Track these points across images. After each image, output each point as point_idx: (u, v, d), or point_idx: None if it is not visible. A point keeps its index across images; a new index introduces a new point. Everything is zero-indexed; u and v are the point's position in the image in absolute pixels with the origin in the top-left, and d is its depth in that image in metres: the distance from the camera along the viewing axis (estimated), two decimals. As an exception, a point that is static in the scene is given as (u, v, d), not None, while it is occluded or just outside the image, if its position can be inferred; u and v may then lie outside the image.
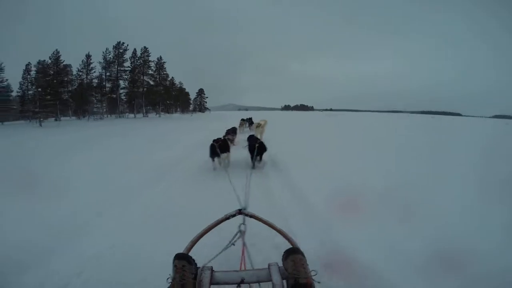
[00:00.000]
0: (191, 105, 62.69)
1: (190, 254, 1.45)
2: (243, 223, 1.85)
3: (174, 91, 52.75)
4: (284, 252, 1.30)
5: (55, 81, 34.87)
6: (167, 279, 1.17)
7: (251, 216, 1.89)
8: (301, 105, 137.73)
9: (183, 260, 1.22)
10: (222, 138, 6.43)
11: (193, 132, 13.28)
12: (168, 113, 49.13)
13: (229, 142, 6.62)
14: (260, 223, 1.92)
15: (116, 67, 39.86)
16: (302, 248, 1.42)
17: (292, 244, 1.51)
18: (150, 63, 43.93)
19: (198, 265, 1.31)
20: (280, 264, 1.31)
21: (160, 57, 46.32)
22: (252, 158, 5.72)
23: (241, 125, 14.35)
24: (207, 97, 66.73)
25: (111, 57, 39.58)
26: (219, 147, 5.43)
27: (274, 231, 1.78)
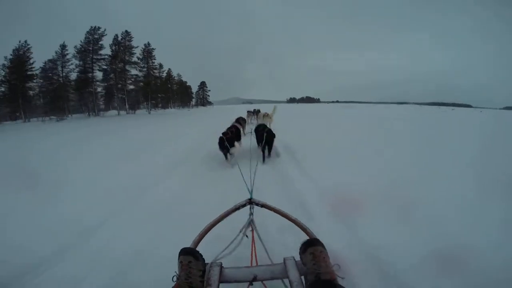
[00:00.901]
0: (193, 99, 60.38)
1: (198, 248, 1.33)
2: (252, 213, 1.75)
3: (172, 83, 49.75)
4: (302, 245, 1.19)
5: (15, 75, 28.00)
6: (173, 277, 1.09)
7: (263, 205, 1.77)
8: (307, 97, 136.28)
9: (189, 256, 1.14)
10: (231, 127, 6.03)
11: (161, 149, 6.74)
12: (163, 108, 45.32)
13: (241, 129, 6.47)
14: (273, 212, 1.77)
15: (90, 55, 32.44)
16: (322, 238, 1.26)
17: (309, 235, 1.38)
18: (133, 49, 36.53)
19: (206, 261, 1.22)
20: (297, 258, 1.20)
21: (148, 43, 39.68)
22: (261, 148, 5.31)
23: (248, 116, 13.82)
24: (209, 90, 64.00)
25: (84, 45, 32.44)
26: (228, 140, 5.12)
27: (288, 222, 1.65)
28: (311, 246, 1.14)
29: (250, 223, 1.68)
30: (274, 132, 5.60)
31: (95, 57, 32.90)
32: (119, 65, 35.03)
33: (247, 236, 1.62)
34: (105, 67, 34.00)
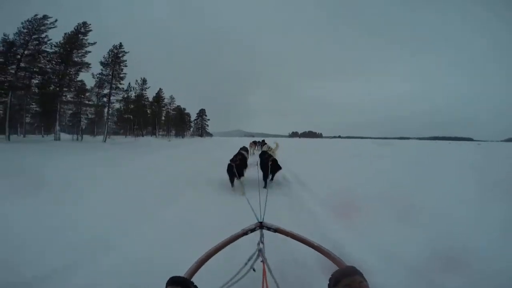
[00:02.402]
0: (191, 128, 55.89)
1: (193, 279, 1.05)
2: (261, 241, 1.49)
3: (159, 107, 43.95)
4: (333, 275, 0.96)
5: None
6: None
7: (276, 230, 1.55)
8: (309, 131, 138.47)
9: (178, 287, 0.92)
10: (238, 154, 6.08)
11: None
12: (138, 135, 38.62)
13: (246, 155, 6.51)
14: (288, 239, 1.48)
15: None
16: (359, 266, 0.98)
17: (339, 265, 1.14)
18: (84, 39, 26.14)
19: None
20: None
21: (120, 44, 29.82)
22: (264, 176, 5.37)
23: (251, 147, 13.77)
24: (209, 120, 58.58)
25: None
26: (237, 167, 5.01)
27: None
28: (347, 276, 0.90)
29: (259, 253, 1.41)
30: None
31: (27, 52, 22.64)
32: (70, 69, 25.50)
33: (254, 269, 1.36)
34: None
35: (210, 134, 59.28)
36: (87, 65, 26.81)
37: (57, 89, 24.88)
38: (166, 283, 0.93)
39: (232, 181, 5.12)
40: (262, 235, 1.51)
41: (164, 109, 45.68)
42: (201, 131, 57.06)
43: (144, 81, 39.04)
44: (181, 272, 1.11)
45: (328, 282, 0.96)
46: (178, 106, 49.64)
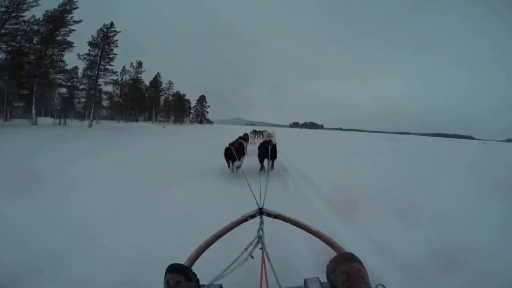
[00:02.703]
0: (191, 114, 54.55)
1: (193, 266, 1.12)
2: (261, 228, 1.46)
3: (156, 92, 41.82)
4: (331, 261, 0.96)
5: None
6: None
7: (276, 216, 1.53)
8: (310, 122, 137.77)
9: (178, 275, 0.92)
10: (236, 141, 6.47)
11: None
12: (134, 121, 37.44)
13: (244, 144, 6.91)
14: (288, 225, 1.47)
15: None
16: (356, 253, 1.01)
17: (338, 251, 1.14)
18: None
19: (201, 282, 1.01)
20: (323, 279, 0.98)
21: (111, 24, 27.74)
22: (261, 162, 5.69)
23: (251, 135, 14.08)
24: (209, 106, 56.51)
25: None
26: (236, 151, 5.30)
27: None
28: (345, 263, 0.89)
29: (259, 240, 1.39)
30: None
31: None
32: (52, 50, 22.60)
33: (252, 257, 1.34)
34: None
35: (210, 121, 57.83)
36: (70, 44, 24.54)
37: (33, 70, 22.55)
38: (166, 271, 0.93)
39: (229, 164, 5.41)
40: (262, 222, 1.50)
41: (162, 94, 43.43)
42: (201, 118, 55.33)
43: (139, 64, 36.65)
44: (181, 260, 1.11)
45: (326, 269, 0.96)
46: (177, 92, 47.85)
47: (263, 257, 1.33)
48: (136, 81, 38.69)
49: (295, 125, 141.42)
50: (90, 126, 25.88)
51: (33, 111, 23.26)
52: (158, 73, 43.09)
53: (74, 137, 13.13)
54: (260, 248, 1.37)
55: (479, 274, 1.90)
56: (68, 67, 26.78)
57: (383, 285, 0.83)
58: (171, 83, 46.33)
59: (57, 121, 27.34)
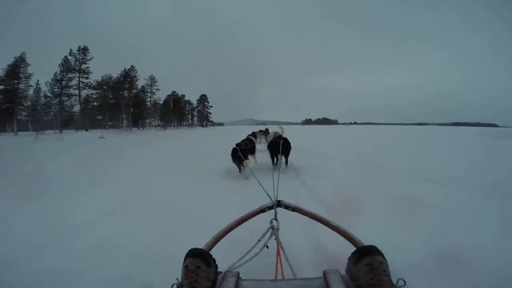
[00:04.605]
0: (194, 117, 48.99)
1: (211, 252, 1.09)
2: (275, 218, 1.54)
3: (124, 88, 34.91)
4: (353, 254, 0.96)
5: None
6: (173, 285, 0.89)
7: (294, 209, 1.52)
8: (323, 118, 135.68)
9: (198, 260, 0.93)
10: (246, 139, 6.31)
11: None
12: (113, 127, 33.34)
13: (255, 141, 6.68)
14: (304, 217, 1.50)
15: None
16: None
17: (355, 245, 1.14)
18: None
19: (219, 269, 1.03)
20: (342, 271, 0.99)
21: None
22: (272, 158, 5.43)
23: (258, 137, 13.86)
24: (211, 106, 50.36)
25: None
26: (242, 152, 5.17)
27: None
28: (368, 255, 0.89)
29: (272, 231, 1.46)
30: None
31: None
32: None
33: (267, 247, 1.43)
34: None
35: (215, 123, 52.27)
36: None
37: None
38: (186, 255, 0.96)
39: (238, 166, 5.27)
40: (276, 213, 1.55)
41: (144, 94, 37.89)
42: (203, 120, 49.54)
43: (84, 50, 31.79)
44: (199, 245, 1.17)
45: (347, 262, 0.97)
46: (173, 92, 43.09)
47: (278, 248, 1.37)
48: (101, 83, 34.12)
49: (307, 122, 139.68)
50: (35, 137, 22.89)
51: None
52: (132, 66, 36.68)
53: None
54: (275, 239, 1.44)
55: None
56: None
57: (403, 280, 0.84)
58: (154, 79, 40.13)
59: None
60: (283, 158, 5.37)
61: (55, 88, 29.10)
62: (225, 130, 38.83)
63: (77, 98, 31.54)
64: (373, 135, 23.49)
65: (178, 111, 43.83)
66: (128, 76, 34.78)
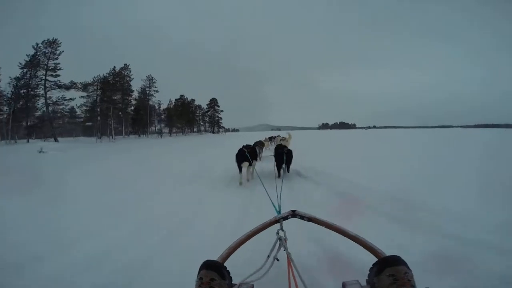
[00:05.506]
0: (206, 122, 46.66)
1: (225, 264, 1.14)
2: (281, 229, 1.48)
3: (115, 88, 30.35)
4: (376, 264, 0.96)
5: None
6: None
7: (310, 219, 1.50)
8: (340, 122, 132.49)
9: (212, 272, 0.95)
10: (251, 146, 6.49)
11: None
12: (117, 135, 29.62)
13: (258, 150, 7.07)
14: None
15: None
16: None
17: (376, 255, 1.12)
18: None
19: (233, 281, 1.05)
20: (363, 282, 0.99)
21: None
22: (278, 166, 5.92)
23: (266, 141, 14.20)
24: (221, 111, 47.47)
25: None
26: (249, 154, 5.38)
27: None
28: (391, 265, 0.89)
29: (280, 243, 1.43)
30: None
31: None
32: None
33: (277, 259, 1.40)
34: None
35: (225, 129, 49.63)
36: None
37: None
38: (200, 267, 0.98)
39: (240, 169, 5.40)
40: (281, 224, 1.50)
41: (148, 98, 34.38)
42: (213, 126, 46.80)
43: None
44: (214, 256, 1.22)
45: (368, 272, 0.97)
46: (181, 96, 40.42)
47: (288, 260, 1.40)
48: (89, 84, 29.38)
49: (324, 126, 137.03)
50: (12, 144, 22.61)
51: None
52: (125, 64, 32.15)
53: None
54: (284, 251, 1.42)
55: None
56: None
57: None
58: (152, 80, 35.84)
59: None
60: (286, 167, 6.11)
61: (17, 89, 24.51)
62: (232, 137, 33.34)
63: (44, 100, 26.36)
64: (409, 143, 16.86)
65: (186, 116, 40.46)
66: (119, 76, 30.48)
